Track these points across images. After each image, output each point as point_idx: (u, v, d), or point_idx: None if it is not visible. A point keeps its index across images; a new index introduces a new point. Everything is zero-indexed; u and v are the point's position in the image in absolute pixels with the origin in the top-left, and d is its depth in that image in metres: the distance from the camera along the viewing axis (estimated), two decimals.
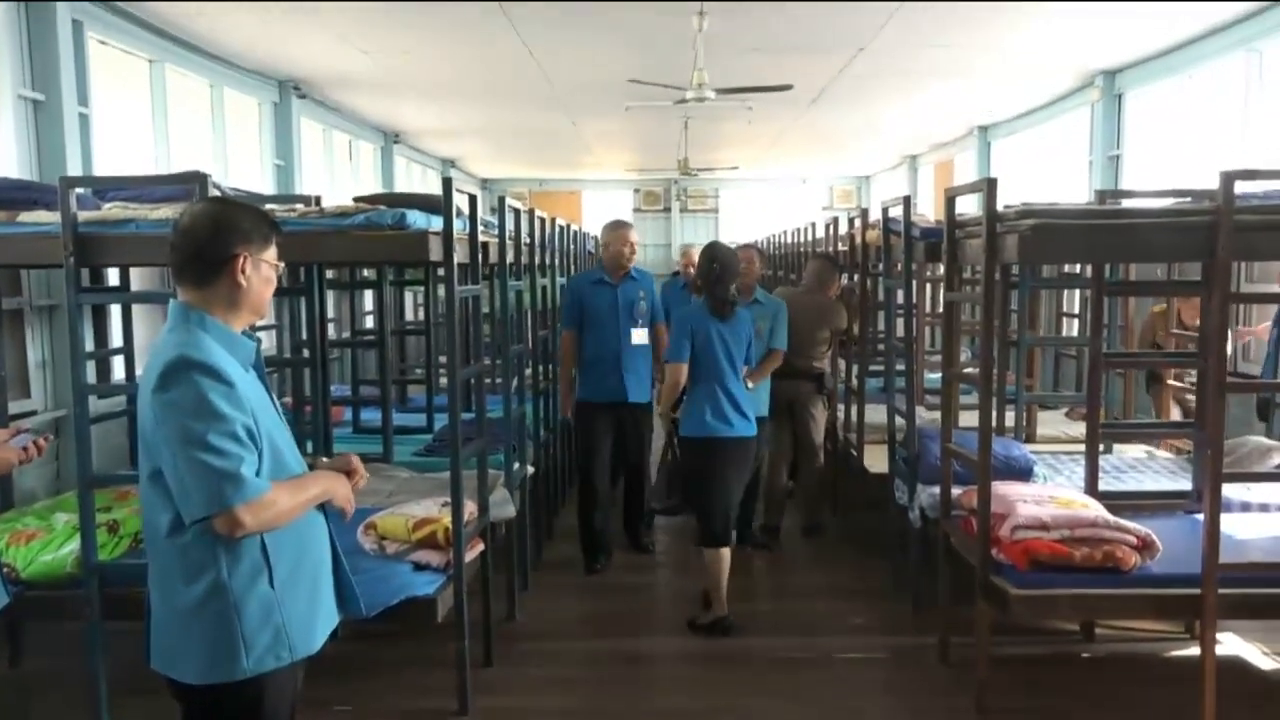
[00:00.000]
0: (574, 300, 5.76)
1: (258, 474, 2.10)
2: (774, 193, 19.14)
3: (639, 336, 5.67)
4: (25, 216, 3.86)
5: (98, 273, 5.12)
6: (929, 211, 8.35)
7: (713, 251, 4.85)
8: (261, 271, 2.23)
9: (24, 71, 5.50)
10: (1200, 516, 3.79)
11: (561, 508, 6.77)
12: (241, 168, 8.60)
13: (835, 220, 8.17)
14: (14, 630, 4.35)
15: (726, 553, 4.72)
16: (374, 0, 6.05)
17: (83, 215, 3.74)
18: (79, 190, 3.88)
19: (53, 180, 4.48)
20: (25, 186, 4.26)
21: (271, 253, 2.27)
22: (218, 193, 3.83)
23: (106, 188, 4.21)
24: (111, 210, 3.88)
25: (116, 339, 5.36)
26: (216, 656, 2.13)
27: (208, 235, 2.18)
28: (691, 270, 6.76)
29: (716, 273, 4.71)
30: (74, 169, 5.57)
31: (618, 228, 5.81)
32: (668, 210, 19.29)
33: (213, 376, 2.06)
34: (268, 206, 4.38)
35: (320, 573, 2.34)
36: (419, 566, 3.77)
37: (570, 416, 5.90)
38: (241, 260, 2.18)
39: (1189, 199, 4.56)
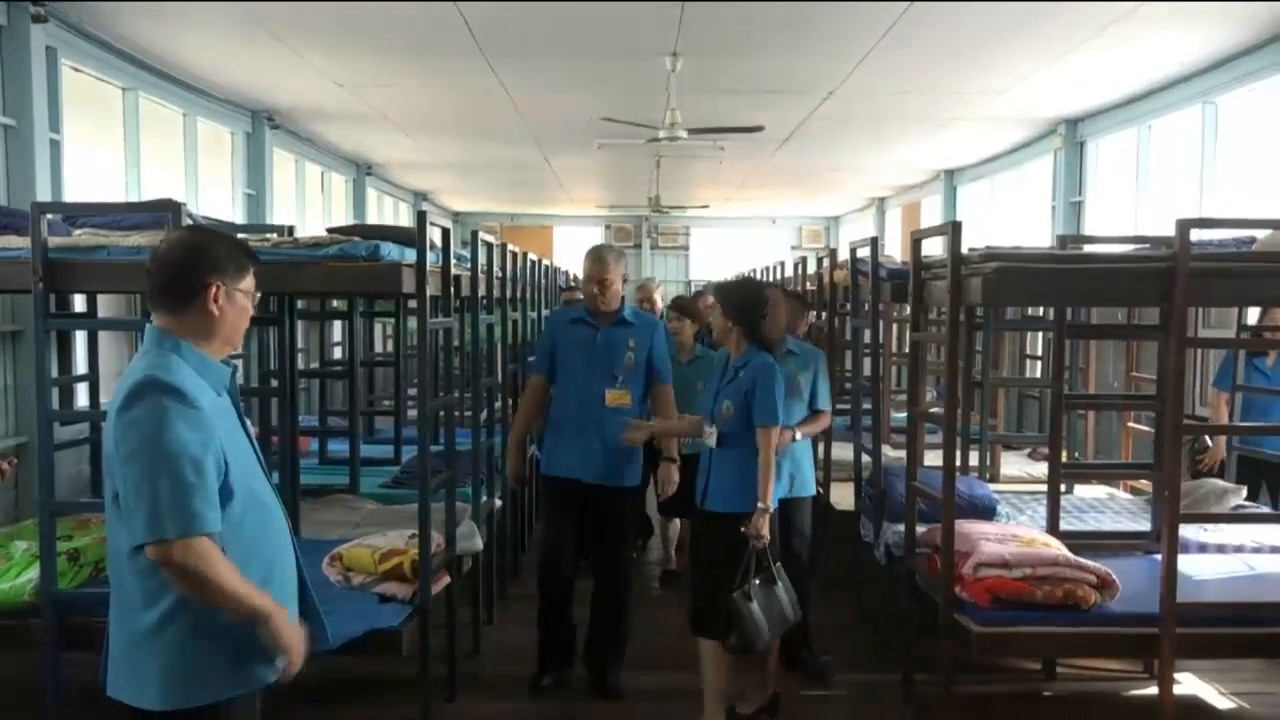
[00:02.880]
0: (549, 339, 4.61)
1: (224, 500, 2.09)
2: (744, 232, 19.32)
3: (616, 398, 4.34)
4: None
5: (63, 298, 5.08)
6: (896, 253, 8.47)
7: (756, 288, 4.15)
8: (236, 301, 2.23)
9: None
10: (1159, 556, 3.86)
11: (529, 542, 6.74)
12: (212, 197, 8.57)
13: (804, 260, 8.28)
14: None
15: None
16: (339, 0, 6.03)
17: (53, 241, 3.73)
18: (50, 216, 3.87)
19: (22, 205, 4.46)
20: None
21: (247, 282, 2.27)
22: (190, 221, 3.84)
23: (78, 214, 4.20)
24: (83, 236, 3.88)
25: (81, 365, 5.30)
26: (175, 682, 2.11)
27: (181, 263, 2.19)
28: (648, 306, 6.30)
29: (764, 313, 3.99)
30: (44, 195, 5.54)
31: (589, 261, 4.51)
32: (638, 247, 19.39)
33: (178, 399, 2.04)
34: (240, 236, 4.41)
35: (285, 600, 2.30)
36: (384, 598, 3.76)
37: (516, 483, 4.74)
38: (214, 289, 2.18)
39: (1148, 245, 4.68)
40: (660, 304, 6.59)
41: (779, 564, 3.88)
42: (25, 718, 3.93)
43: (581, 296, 4.76)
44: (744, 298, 3.98)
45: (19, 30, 5.52)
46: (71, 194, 6.12)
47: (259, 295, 2.35)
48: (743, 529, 3.73)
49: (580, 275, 4.70)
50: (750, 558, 3.74)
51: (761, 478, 3.75)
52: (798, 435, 4.42)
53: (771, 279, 9.67)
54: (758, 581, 3.75)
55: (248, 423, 2.36)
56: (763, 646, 3.79)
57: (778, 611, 3.80)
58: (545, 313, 6.98)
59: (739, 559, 3.75)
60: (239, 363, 6.88)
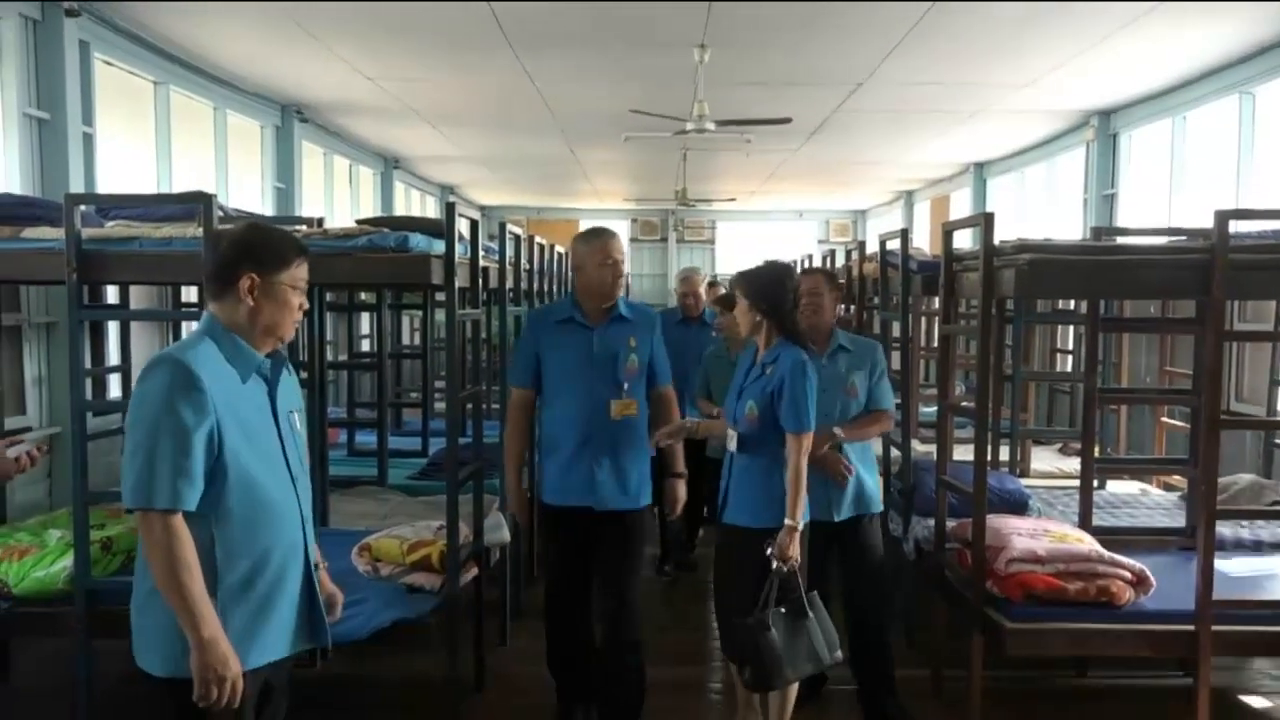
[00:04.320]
0: (530, 346, 3.80)
1: (214, 482, 2.14)
2: (770, 226, 19.25)
3: (622, 409, 3.67)
4: (29, 232, 3.89)
5: (96, 290, 5.13)
6: (925, 246, 8.41)
7: (786, 273, 3.66)
8: (274, 294, 2.29)
9: (30, 90, 5.54)
10: (1194, 553, 3.80)
11: None
12: (242, 190, 8.63)
13: (832, 253, 8.24)
14: (3, 645, 4.32)
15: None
16: (363, 1, 6.05)
17: (86, 232, 3.76)
18: (83, 207, 3.90)
19: (56, 197, 4.50)
20: (29, 203, 4.28)
21: (288, 275, 2.31)
22: (222, 213, 3.87)
23: (111, 205, 4.24)
24: (115, 228, 3.92)
25: (113, 356, 5.36)
26: (169, 650, 2.17)
27: (221, 254, 2.31)
28: (692, 300, 6.13)
29: (794, 301, 3.59)
30: (76, 187, 5.59)
31: (593, 238, 3.75)
32: (664, 240, 19.39)
33: (184, 377, 2.12)
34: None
35: (277, 594, 2.29)
36: (412, 589, 3.77)
37: (520, 519, 4.02)
38: (247, 281, 2.25)
39: (1184, 237, 4.61)
40: (704, 297, 6.21)
41: (813, 593, 3.44)
42: (58, 704, 3.97)
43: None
44: (773, 285, 3.52)
45: (52, 25, 5.57)
46: (104, 186, 6.18)
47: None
48: (766, 549, 3.33)
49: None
50: (773, 582, 3.32)
51: (790, 490, 3.34)
52: (840, 434, 3.90)
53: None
54: (783, 610, 3.33)
55: (294, 416, 2.40)
56: (780, 684, 3.39)
57: (805, 647, 3.33)
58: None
59: (759, 580, 3.36)
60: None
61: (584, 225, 16.88)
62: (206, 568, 2.14)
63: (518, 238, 5.29)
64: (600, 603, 3.81)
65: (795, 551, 3.32)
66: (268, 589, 2.26)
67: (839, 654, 3.45)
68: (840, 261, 7.69)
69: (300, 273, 2.34)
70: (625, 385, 3.68)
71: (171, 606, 2.10)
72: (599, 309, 3.71)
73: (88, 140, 5.94)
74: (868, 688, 4.04)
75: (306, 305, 2.39)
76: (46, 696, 4.20)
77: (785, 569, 3.32)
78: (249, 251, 2.27)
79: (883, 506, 4.22)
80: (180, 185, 7.24)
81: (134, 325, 5.39)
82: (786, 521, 3.33)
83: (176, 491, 2.09)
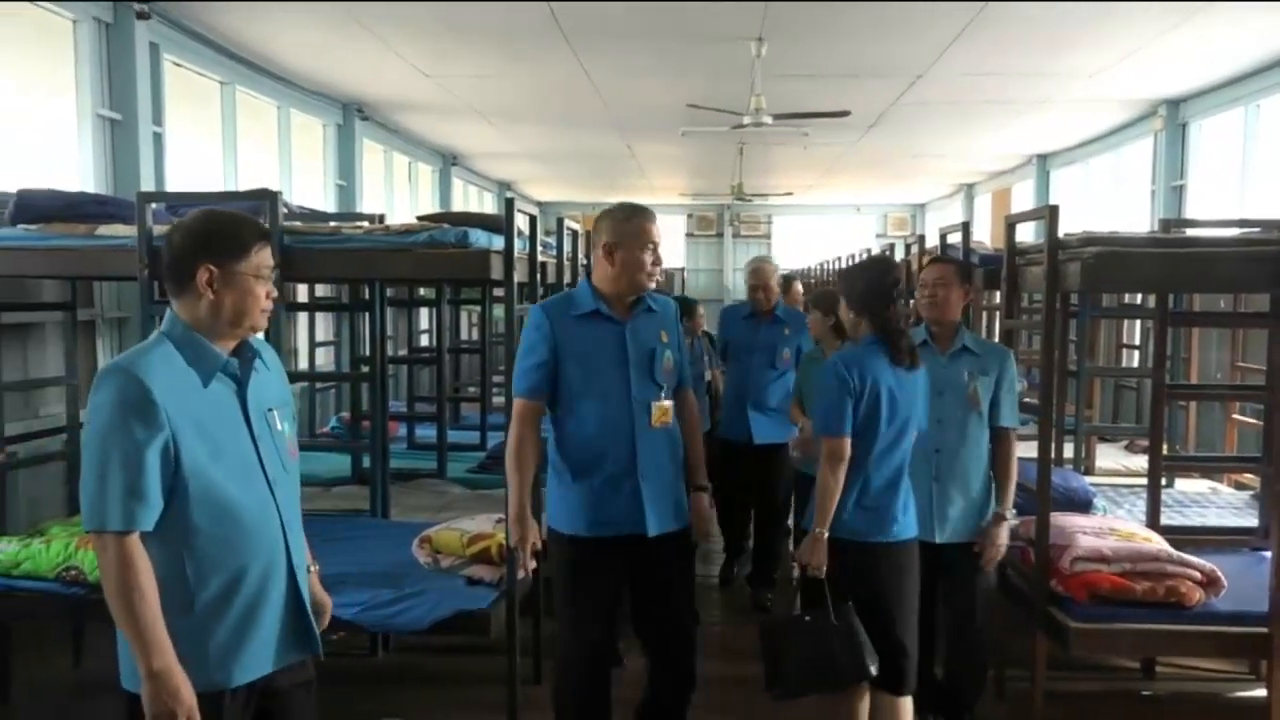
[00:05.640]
0: (545, 347, 3.04)
1: (173, 496, 1.99)
2: (828, 220, 19.13)
3: (662, 414, 3.09)
4: (103, 230, 4.00)
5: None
6: (986, 240, 8.28)
7: (884, 268, 3.32)
8: (236, 284, 2.07)
9: (103, 92, 5.71)
10: (1268, 553, 3.70)
11: None
12: (305, 187, 8.79)
13: (891, 246, 8.14)
14: (78, 632, 4.45)
15: (906, 703, 3.23)
16: (424, 1, 6.14)
17: (157, 229, 3.86)
18: (154, 205, 4.00)
19: (128, 195, 4.63)
20: (103, 201, 4.40)
21: (249, 263, 2.09)
22: (286, 210, 3.94)
23: (179, 203, 4.33)
24: None
25: None
26: (132, 665, 2.04)
27: (175, 248, 2.10)
28: (763, 295, 5.32)
29: (893, 297, 3.15)
30: (147, 185, 5.76)
31: (633, 214, 3.10)
32: (720, 235, 19.35)
33: (131, 390, 1.94)
34: (333, 224, 4.50)
35: (259, 607, 2.12)
36: (472, 581, 3.80)
37: (524, 555, 3.17)
38: (204, 274, 2.04)
39: (1257, 229, 4.49)
40: (776, 290, 5.48)
41: (846, 605, 3.09)
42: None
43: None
44: (867, 282, 3.17)
45: (124, 27, 5.73)
46: (173, 184, 6.34)
47: (275, 273, 2.21)
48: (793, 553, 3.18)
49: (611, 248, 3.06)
50: (799, 585, 3.15)
51: (818, 496, 3.09)
52: (1008, 515, 3.52)
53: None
54: (807, 619, 3.11)
55: (273, 414, 2.19)
56: (779, 695, 3.16)
57: (813, 660, 3.06)
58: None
59: (805, 583, 3.15)
60: (325, 351, 7.05)
61: None
62: (179, 586, 2.01)
63: (575, 233, 5.31)
64: (655, 627, 3.25)
65: (816, 559, 3.08)
66: (248, 603, 2.10)
67: (871, 671, 3.07)
68: (900, 255, 7.60)
69: (263, 259, 2.11)
70: (664, 388, 3.11)
71: (127, 636, 1.96)
72: (625, 300, 3.09)
73: (158, 139, 6.10)
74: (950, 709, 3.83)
75: (275, 294, 2.17)
76: (109, 682, 4.31)
77: (811, 574, 3.10)
78: (204, 242, 2.06)
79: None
80: (246, 183, 7.41)
81: None
82: (815, 529, 3.09)
83: (130, 512, 1.93)
